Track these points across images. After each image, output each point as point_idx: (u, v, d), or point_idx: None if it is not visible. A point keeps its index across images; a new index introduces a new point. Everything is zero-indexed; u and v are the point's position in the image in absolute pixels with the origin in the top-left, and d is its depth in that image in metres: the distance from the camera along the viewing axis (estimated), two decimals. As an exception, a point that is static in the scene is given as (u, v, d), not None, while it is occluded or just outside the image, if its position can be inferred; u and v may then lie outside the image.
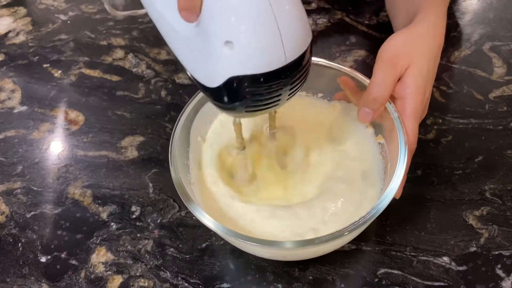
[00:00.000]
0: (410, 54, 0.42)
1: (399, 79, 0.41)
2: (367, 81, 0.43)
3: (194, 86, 0.44)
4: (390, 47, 0.42)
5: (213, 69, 0.31)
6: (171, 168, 0.39)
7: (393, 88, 0.41)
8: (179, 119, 0.43)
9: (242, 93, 0.31)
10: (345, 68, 0.44)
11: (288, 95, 0.33)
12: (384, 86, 0.40)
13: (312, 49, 0.33)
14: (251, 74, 0.30)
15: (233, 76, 0.30)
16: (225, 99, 0.32)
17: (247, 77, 0.30)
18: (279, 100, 0.33)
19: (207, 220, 0.36)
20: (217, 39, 0.30)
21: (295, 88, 0.33)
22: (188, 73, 0.35)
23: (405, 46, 0.42)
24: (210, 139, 0.47)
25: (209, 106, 0.46)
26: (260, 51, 0.30)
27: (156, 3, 0.34)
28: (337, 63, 0.45)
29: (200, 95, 0.44)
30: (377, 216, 0.35)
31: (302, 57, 0.31)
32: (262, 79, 0.30)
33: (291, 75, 0.31)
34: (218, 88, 0.32)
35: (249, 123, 0.47)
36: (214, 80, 0.32)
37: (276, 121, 0.44)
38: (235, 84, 0.31)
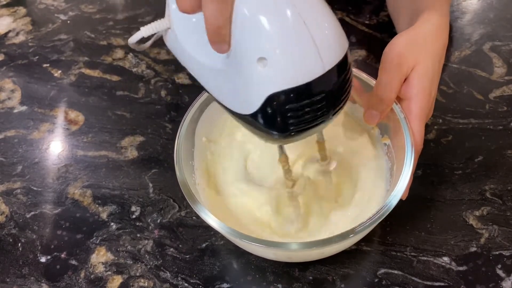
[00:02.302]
0: (415, 54, 0.42)
1: (404, 80, 0.41)
2: (373, 81, 0.42)
3: (194, 86, 0.45)
4: (395, 48, 0.42)
5: (249, 93, 0.30)
6: (177, 169, 0.39)
7: (399, 89, 0.41)
8: (184, 120, 0.43)
9: (283, 112, 0.29)
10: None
11: (334, 110, 0.31)
12: (390, 87, 0.40)
13: (349, 58, 0.31)
14: (289, 88, 0.28)
15: (271, 94, 0.29)
16: (267, 122, 0.30)
17: (285, 92, 0.28)
18: (324, 116, 0.30)
19: (213, 221, 0.36)
20: (249, 60, 0.28)
21: (340, 101, 0.31)
22: (227, 110, 0.33)
23: (410, 47, 0.42)
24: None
25: (214, 107, 0.46)
26: (295, 62, 0.28)
27: (186, 46, 0.34)
28: None
29: (205, 95, 0.44)
30: (384, 217, 0.35)
31: (341, 64, 0.29)
32: (301, 92, 0.28)
33: (332, 84, 0.29)
34: (258, 111, 0.30)
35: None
36: (252, 103, 0.30)
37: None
38: (274, 103, 0.29)
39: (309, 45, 0.28)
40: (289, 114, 0.29)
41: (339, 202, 0.43)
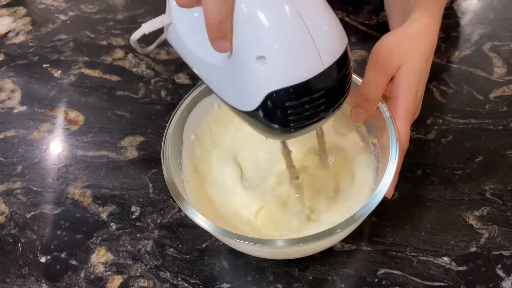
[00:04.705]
0: (402, 54, 0.42)
1: (391, 79, 0.42)
2: (360, 80, 0.43)
3: (194, 86, 0.45)
4: (382, 47, 0.43)
5: (249, 90, 0.30)
6: (163, 167, 0.39)
7: (385, 88, 0.41)
8: (172, 117, 0.43)
9: (283, 109, 0.29)
10: None
11: (334, 106, 0.31)
12: (376, 86, 0.40)
13: (349, 53, 0.31)
14: (288, 86, 0.28)
15: (270, 92, 0.29)
16: (268, 119, 0.30)
17: (284, 90, 0.28)
18: (324, 111, 0.31)
19: (199, 219, 0.36)
20: (248, 58, 0.28)
21: (339, 96, 0.31)
22: (229, 106, 0.33)
23: (397, 46, 0.43)
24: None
25: (203, 105, 0.46)
26: (294, 60, 0.28)
27: (186, 42, 0.34)
28: None
29: (194, 93, 0.44)
30: (367, 215, 0.35)
31: (340, 60, 0.29)
32: (300, 90, 0.29)
33: (331, 81, 0.29)
34: (258, 109, 0.30)
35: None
36: (252, 101, 0.30)
37: None
38: (274, 101, 0.29)
39: (307, 43, 0.28)
40: (289, 111, 0.29)
41: (325, 202, 0.43)
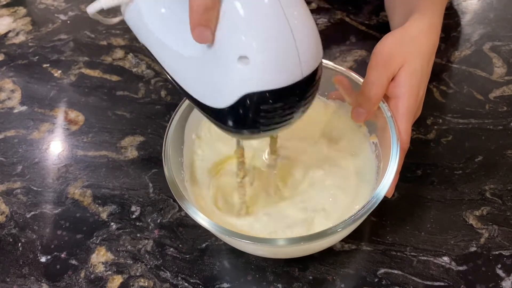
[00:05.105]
0: (404, 53, 0.42)
1: (392, 79, 0.42)
2: (361, 80, 0.43)
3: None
4: (384, 47, 0.43)
5: (224, 88, 0.29)
6: (164, 166, 0.40)
7: (386, 87, 0.41)
8: (173, 117, 0.43)
9: (255, 112, 0.29)
10: (340, 67, 0.45)
11: (301, 112, 0.31)
12: (378, 86, 0.40)
13: (321, 64, 0.31)
14: (266, 90, 0.28)
15: (248, 93, 0.28)
16: (237, 119, 0.30)
17: (262, 93, 0.28)
18: (292, 117, 0.31)
19: (200, 218, 0.36)
20: (230, 55, 0.28)
21: (307, 104, 0.31)
22: (190, 99, 0.32)
23: (398, 46, 0.43)
24: (203, 150, 0.46)
25: None
26: (276, 65, 0.28)
27: (154, 28, 0.32)
28: (336, 63, 0.45)
29: None
30: (367, 214, 0.36)
31: (316, 71, 0.30)
32: (277, 95, 0.29)
33: (305, 90, 0.30)
34: (230, 108, 0.29)
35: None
36: (226, 99, 0.29)
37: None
38: (249, 102, 0.29)
39: (291, 50, 0.28)
40: (261, 114, 0.29)
41: (326, 206, 0.43)
